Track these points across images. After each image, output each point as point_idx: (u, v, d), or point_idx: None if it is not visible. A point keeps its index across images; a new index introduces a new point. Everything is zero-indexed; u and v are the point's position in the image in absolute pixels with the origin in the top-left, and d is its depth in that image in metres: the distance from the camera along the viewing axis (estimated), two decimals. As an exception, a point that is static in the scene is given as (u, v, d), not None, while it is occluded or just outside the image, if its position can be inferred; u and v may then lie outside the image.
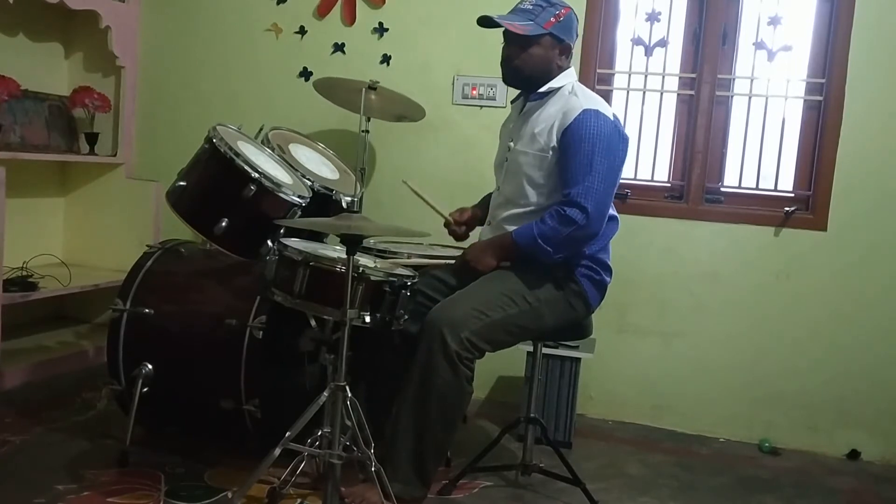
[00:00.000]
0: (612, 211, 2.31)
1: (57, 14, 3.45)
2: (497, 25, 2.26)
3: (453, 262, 2.41)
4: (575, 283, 2.29)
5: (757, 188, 3.20)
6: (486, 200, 2.59)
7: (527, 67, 2.29)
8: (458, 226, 2.54)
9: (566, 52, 2.30)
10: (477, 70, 3.25)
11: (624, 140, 2.28)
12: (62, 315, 3.69)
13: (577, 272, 2.29)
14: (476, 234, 2.51)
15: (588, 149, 2.16)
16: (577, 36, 2.35)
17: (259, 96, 3.53)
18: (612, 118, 2.25)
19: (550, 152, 2.24)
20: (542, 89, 2.31)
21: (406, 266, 2.32)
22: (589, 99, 2.26)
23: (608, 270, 2.37)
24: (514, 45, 2.29)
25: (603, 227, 2.21)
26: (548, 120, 2.27)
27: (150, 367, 2.37)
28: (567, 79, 2.32)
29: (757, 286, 3.10)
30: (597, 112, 2.20)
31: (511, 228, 2.28)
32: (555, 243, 2.16)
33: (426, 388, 2.12)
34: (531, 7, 2.26)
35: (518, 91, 2.43)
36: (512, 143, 2.36)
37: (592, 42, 3.17)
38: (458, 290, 2.27)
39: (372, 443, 2.01)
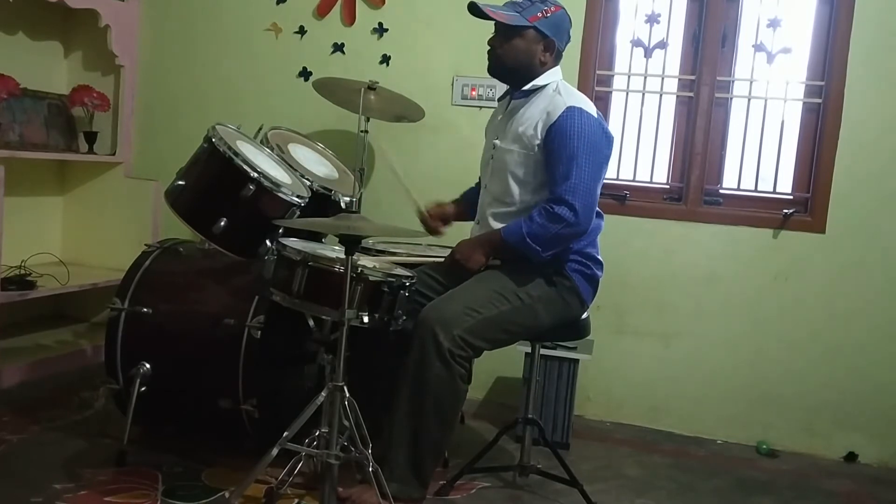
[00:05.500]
0: (597, 207, 2.33)
1: (56, 13, 3.45)
2: (485, 14, 2.28)
3: (443, 259, 2.41)
4: (567, 279, 2.29)
5: (756, 190, 3.20)
6: (468, 194, 2.63)
7: (508, 58, 2.31)
8: (434, 220, 2.56)
9: (550, 49, 2.31)
10: (476, 71, 3.24)
11: (608, 138, 2.29)
12: (60, 314, 3.69)
13: (568, 267, 2.30)
14: (457, 231, 2.51)
15: (574, 146, 2.17)
16: (568, 38, 2.37)
17: (258, 96, 3.52)
18: (596, 116, 2.26)
19: (535, 149, 2.26)
20: (527, 87, 2.32)
21: (397, 264, 2.33)
22: (573, 97, 2.28)
23: (599, 265, 2.37)
24: (499, 35, 2.33)
25: (591, 223, 2.21)
26: (532, 118, 2.28)
27: (147, 366, 2.37)
28: (552, 77, 2.33)
29: (755, 288, 3.11)
30: (581, 110, 2.21)
31: (499, 226, 2.29)
32: (544, 241, 2.16)
33: (420, 386, 2.13)
34: (521, 1, 2.30)
35: (505, 89, 2.45)
36: (497, 141, 2.37)
37: (592, 43, 3.17)
38: (451, 289, 2.27)
39: (370, 443, 2.01)
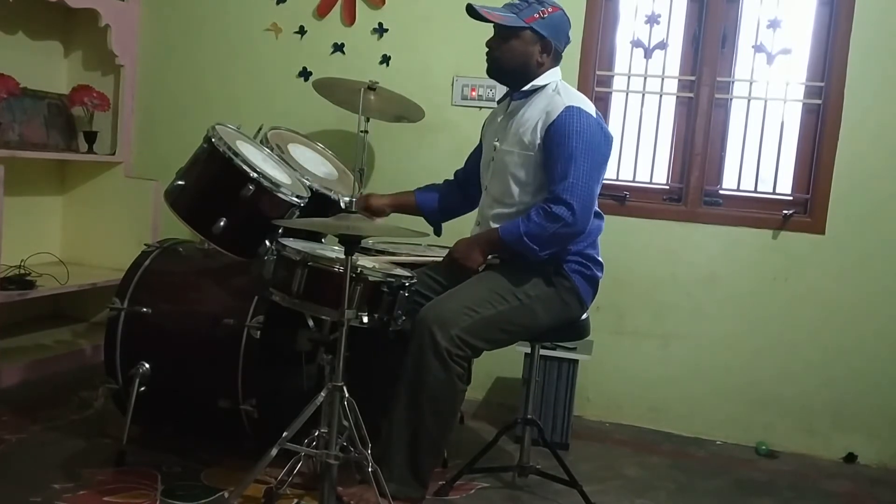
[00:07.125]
0: (597, 208, 2.32)
1: (56, 12, 3.45)
2: (483, 16, 2.28)
3: (441, 259, 2.41)
4: (566, 279, 2.29)
5: (755, 191, 3.19)
6: (428, 189, 2.65)
7: (505, 59, 2.31)
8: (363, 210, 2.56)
9: (548, 50, 2.30)
10: (476, 71, 3.23)
11: (607, 137, 2.28)
12: (60, 313, 3.69)
13: (568, 268, 2.29)
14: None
15: (572, 145, 2.16)
16: (567, 40, 2.36)
17: (258, 96, 3.53)
18: (595, 115, 2.26)
19: (535, 150, 2.25)
20: (526, 88, 2.32)
21: (395, 264, 2.33)
22: (572, 96, 2.27)
23: (599, 265, 2.37)
24: (497, 36, 2.33)
25: (589, 224, 2.20)
26: (532, 118, 2.28)
27: (147, 366, 2.37)
28: (552, 78, 2.33)
29: (755, 289, 3.11)
30: (579, 109, 2.21)
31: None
32: (541, 241, 2.15)
33: (418, 386, 2.13)
34: (518, 2, 2.30)
35: (505, 91, 2.45)
36: (497, 143, 2.37)
37: (592, 44, 3.17)
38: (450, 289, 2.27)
39: (369, 443, 2.01)
